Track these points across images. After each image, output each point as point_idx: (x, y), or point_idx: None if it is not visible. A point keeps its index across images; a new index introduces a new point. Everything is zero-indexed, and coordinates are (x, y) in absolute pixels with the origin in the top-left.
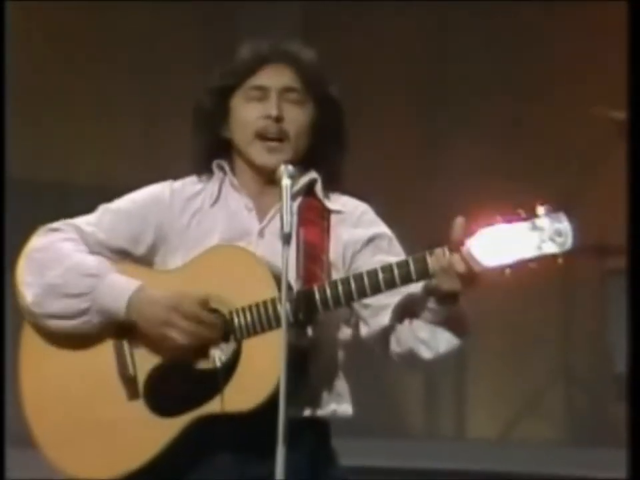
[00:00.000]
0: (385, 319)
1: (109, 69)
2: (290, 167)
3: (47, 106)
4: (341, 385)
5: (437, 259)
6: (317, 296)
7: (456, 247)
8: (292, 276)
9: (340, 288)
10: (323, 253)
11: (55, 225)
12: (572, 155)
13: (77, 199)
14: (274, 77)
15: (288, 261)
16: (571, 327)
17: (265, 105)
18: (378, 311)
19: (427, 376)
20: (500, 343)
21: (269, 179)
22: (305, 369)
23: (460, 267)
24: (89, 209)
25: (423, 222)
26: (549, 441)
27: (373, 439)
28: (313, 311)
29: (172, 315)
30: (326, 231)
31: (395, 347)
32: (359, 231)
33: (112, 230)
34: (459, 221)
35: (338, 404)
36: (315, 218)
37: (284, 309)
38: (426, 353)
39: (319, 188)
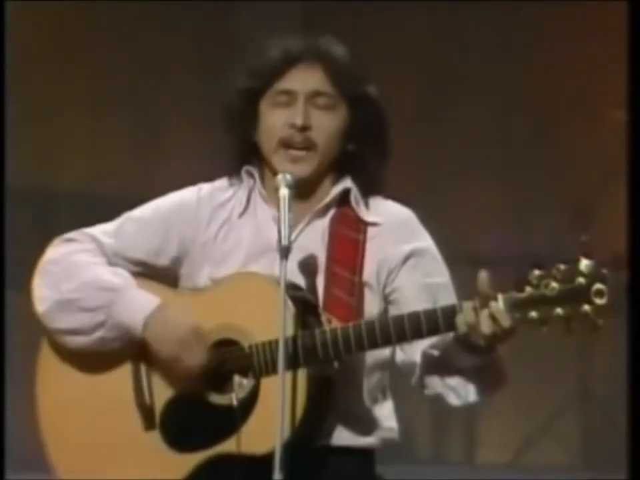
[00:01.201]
0: (418, 350)
1: (104, 71)
2: (288, 176)
3: (38, 112)
4: (384, 411)
5: (465, 314)
6: (340, 338)
7: (485, 302)
8: (319, 298)
9: (364, 332)
10: (355, 273)
11: (71, 235)
12: (585, 162)
13: (65, 205)
14: (302, 80)
15: (286, 277)
16: (587, 346)
17: (290, 112)
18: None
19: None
20: (512, 364)
21: (296, 190)
22: (330, 398)
23: (486, 328)
24: (75, 215)
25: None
26: (563, 466)
27: (380, 464)
28: (334, 352)
29: (189, 337)
30: (361, 245)
31: (424, 390)
32: (396, 247)
33: (131, 241)
34: (483, 275)
35: (380, 433)
36: (348, 232)
37: (282, 335)
38: (454, 400)
39: (354, 197)
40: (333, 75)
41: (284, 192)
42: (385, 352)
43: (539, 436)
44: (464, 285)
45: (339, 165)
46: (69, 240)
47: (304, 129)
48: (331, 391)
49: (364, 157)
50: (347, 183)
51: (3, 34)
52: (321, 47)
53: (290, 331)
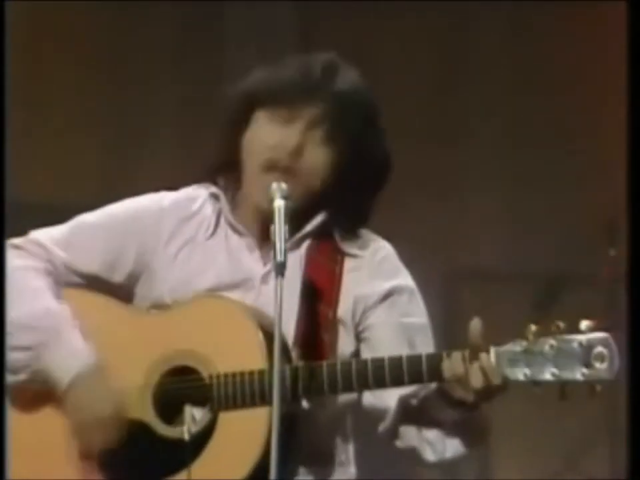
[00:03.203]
0: (390, 394)
1: (78, 79)
2: (283, 185)
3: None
4: (344, 453)
5: (453, 364)
6: (313, 377)
7: (476, 354)
8: (290, 334)
9: (339, 373)
10: (330, 307)
11: (19, 241)
12: (604, 172)
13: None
14: (307, 108)
15: (282, 298)
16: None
17: (286, 133)
18: None
19: None
20: (532, 394)
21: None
22: (295, 439)
23: (476, 382)
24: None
25: (433, 249)
26: None
27: None
28: (304, 390)
29: (106, 420)
30: (337, 277)
31: (397, 441)
32: (374, 283)
33: (84, 252)
34: (475, 323)
35: (339, 475)
36: (325, 261)
37: (277, 350)
38: (430, 455)
39: (334, 228)
40: (341, 111)
41: (279, 203)
42: (350, 396)
43: (563, 473)
44: (472, 300)
45: (322, 197)
46: (18, 247)
47: (294, 154)
48: (295, 429)
49: (351, 193)
50: (327, 215)
51: (3, 35)
52: (338, 79)
53: (259, 365)
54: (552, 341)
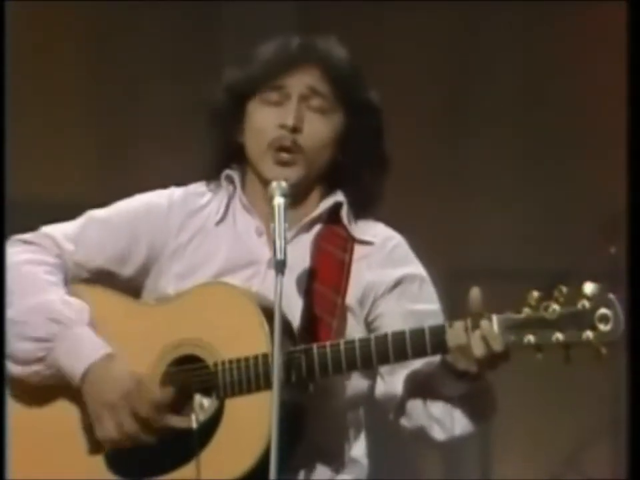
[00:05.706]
0: (400, 380)
1: (69, 75)
2: (283, 184)
3: None
4: (356, 448)
5: (456, 334)
6: (316, 358)
7: (477, 322)
8: (296, 320)
9: (342, 352)
10: (338, 294)
11: (29, 236)
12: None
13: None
14: (296, 79)
15: (282, 295)
16: (619, 374)
17: (281, 112)
18: (396, 368)
19: None
20: (531, 391)
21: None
22: (302, 431)
23: (479, 350)
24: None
25: (440, 247)
26: None
27: None
28: (308, 373)
29: (120, 403)
30: (346, 266)
31: (404, 421)
32: (386, 271)
33: (94, 247)
34: (475, 292)
35: (350, 472)
36: (334, 250)
37: (276, 353)
38: (439, 434)
39: (344, 212)
40: (330, 76)
41: (279, 201)
42: (362, 386)
43: (563, 473)
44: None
45: (329, 177)
46: (27, 242)
47: (295, 130)
48: (302, 419)
49: (358, 169)
50: (339, 196)
51: (3, 35)
52: (319, 46)
53: (263, 349)
54: (555, 306)
